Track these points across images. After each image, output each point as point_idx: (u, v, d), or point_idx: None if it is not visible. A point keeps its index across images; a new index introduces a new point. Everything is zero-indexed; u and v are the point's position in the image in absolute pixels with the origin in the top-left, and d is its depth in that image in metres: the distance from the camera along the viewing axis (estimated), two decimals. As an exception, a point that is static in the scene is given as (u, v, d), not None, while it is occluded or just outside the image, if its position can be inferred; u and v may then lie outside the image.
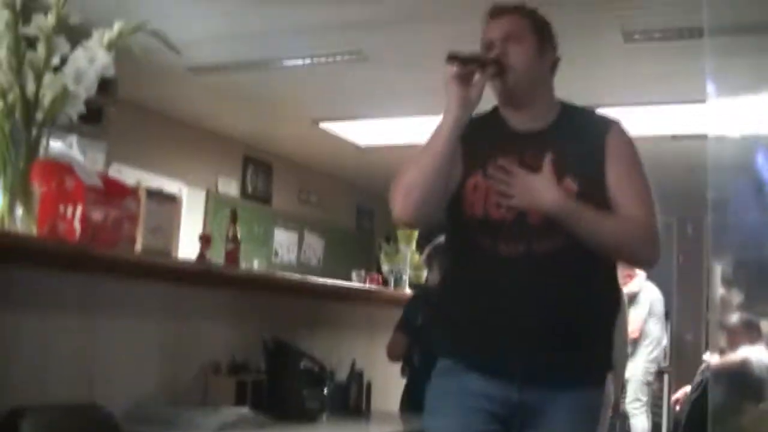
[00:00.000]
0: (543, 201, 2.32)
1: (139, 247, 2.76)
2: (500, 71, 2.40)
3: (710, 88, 3.03)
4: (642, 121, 6.63)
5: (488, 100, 2.49)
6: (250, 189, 9.19)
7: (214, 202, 8.51)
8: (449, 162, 2.36)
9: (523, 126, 2.50)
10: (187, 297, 3.16)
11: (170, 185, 7.69)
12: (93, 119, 5.92)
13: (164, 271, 2.97)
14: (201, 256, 3.36)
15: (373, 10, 5.03)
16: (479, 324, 2.43)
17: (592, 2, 4.69)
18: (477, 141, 2.44)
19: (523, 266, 2.37)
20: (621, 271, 3.84)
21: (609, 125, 2.49)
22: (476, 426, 2.41)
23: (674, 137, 7.14)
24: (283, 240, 9.75)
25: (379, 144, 8.30)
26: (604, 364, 2.57)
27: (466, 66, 2.35)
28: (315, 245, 10.32)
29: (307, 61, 6.01)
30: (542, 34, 2.50)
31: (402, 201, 2.40)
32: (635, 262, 2.70)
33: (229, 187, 8.87)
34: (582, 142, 2.44)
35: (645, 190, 2.43)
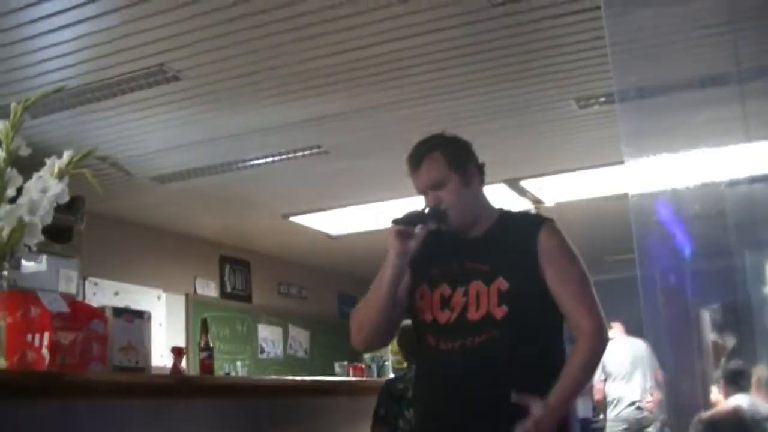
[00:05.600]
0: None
1: (110, 366, 2.78)
2: (441, 219, 2.62)
3: (626, 149, 3.14)
4: (608, 181, 6.71)
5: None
6: (229, 288, 9.18)
7: (194, 305, 8.49)
8: (391, 304, 2.66)
9: (466, 234, 2.71)
10: (164, 410, 3.15)
11: (148, 293, 7.70)
12: (63, 238, 5.94)
13: (137, 388, 2.97)
14: (175, 367, 3.36)
15: (329, 105, 5.13)
16: (430, 411, 2.68)
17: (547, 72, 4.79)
18: (424, 255, 2.67)
19: (457, 359, 2.56)
20: None
21: (539, 225, 2.66)
22: None
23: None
24: (268, 335, 9.72)
25: (349, 231, 8.38)
26: None
27: (408, 227, 2.58)
28: (300, 337, 10.29)
29: (269, 159, 6.10)
30: (462, 166, 2.67)
31: (355, 335, 2.80)
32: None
33: (208, 289, 8.86)
34: (515, 245, 2.63)
35: (582, 282, 2.60)
